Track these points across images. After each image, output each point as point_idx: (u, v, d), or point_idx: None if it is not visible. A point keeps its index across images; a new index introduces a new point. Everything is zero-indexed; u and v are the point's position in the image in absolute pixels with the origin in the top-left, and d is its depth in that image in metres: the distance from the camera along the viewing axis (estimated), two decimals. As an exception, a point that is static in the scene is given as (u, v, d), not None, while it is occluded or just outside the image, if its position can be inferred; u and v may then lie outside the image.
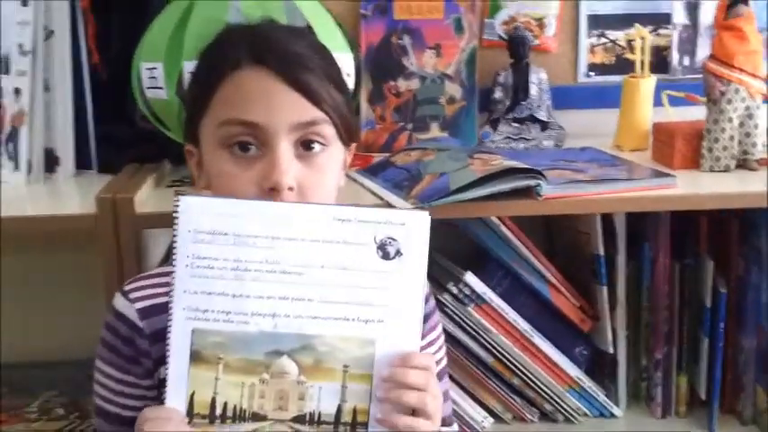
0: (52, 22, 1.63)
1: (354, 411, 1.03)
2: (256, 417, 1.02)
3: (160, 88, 1.49)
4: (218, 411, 1.01)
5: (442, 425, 1.22)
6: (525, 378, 1.66)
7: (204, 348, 1.01)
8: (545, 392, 1.68)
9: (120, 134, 1.71)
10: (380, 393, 1.03)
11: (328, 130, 1.11)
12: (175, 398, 1.01)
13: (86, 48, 1.67)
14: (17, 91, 1.61)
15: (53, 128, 1.65)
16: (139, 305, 1.13)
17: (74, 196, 1.60)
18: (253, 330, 1.01)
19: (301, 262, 1.02)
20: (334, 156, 1.14)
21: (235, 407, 1.01)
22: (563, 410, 1.70)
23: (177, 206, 1.01)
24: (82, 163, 1.68)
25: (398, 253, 1.03)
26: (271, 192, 1.07)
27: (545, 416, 1.72)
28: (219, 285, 1.01)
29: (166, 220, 1.03)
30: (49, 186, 1.63)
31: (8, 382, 1.78)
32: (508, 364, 1.65)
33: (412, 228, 1.03)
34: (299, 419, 1.02)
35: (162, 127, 1.55)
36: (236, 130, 1.09)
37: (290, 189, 1.08)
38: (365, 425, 1.03)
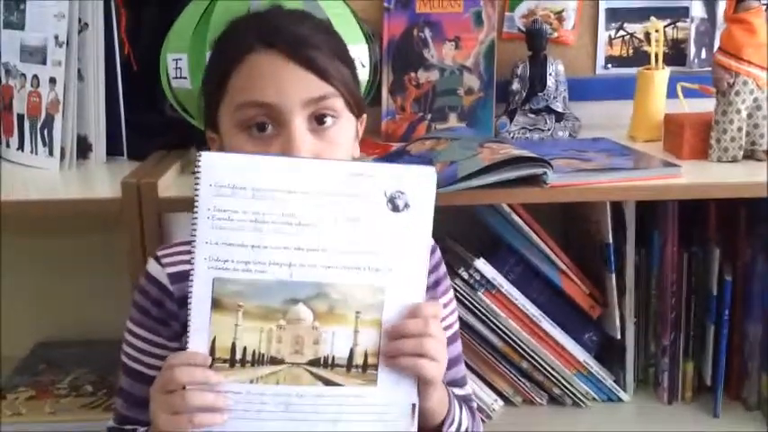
0: (87, 15, 1.69)
1: (366, 354, 1.08)
2: (274, 360, 1.06)
3: (184, 78, 1.55)
4: (239, 356, 1.05)
5: (455, 386, 1.29)
6: (534, 362, 1.70)
7: (224, 296, 1.05)
8: (554, 377, 1.72)
9: (150, 123, 1.77)
10: (382, 347, 1.07)
11: (338, 104, 1.17)
12: (198, 343, 1.05)
13: (119, 40, 1.72)
14: (52, 80, 1.68)
15: (86, 116, 1.72)
16: (170, 270, 1.21)
17: (104, 181, 1.66)
18: (270, 279, 1.05)
19: (316, 214, 1.06)
20: (345, 127, 1.19)
21: (254, 351, 1.05)
22: (571, 394, 1.74)
23: (199, 162, 1.04)
24: (113, 150, 1.74)
25: (407, 206, 1.07)
26: None
27: (553, 399, 1.76)
28: (238, 237, 1.04)
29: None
30: (81, 172, 1.69)
31: (45, 360, 1.86)
32: (517, 348, 1.69)
33: (419, 182, 1.07)
34: (314, 363, 1.07)
35: (187, 116, 1.61)
36: (252, 112, 1.14)
37: None
38: (375, 366, 1.08)
